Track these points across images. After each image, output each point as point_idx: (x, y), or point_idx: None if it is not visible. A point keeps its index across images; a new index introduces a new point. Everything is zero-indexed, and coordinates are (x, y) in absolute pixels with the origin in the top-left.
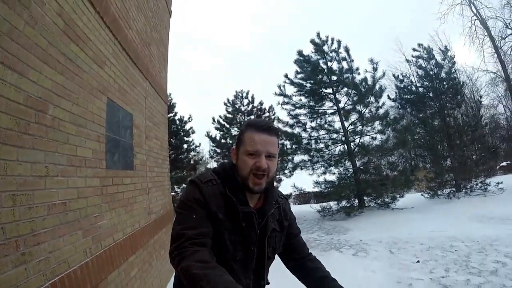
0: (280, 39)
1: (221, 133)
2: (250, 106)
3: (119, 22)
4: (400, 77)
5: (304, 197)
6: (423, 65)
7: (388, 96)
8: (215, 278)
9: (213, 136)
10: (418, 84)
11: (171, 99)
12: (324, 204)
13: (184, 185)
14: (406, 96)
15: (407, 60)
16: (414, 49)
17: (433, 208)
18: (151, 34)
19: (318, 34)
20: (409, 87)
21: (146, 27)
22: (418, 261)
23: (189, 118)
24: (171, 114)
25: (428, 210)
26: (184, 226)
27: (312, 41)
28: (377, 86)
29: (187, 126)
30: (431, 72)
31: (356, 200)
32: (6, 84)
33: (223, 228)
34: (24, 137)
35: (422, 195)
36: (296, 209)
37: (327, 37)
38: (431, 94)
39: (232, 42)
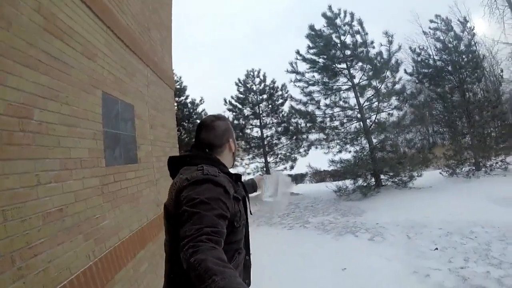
0: (294, 16)
1: (234, 114)
2: (262, 85)
3: (109, 9)
4: (417, 50)
5: (319, 176)
6: (441, 38)
7: (405, 70)
8: (230, 277)
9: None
10: (436, 58)
11: (181, 82)
12: (340, 183)
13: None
14: (424, 70)
15: (424, 32)
16: (431, 21)
17: (451, 188)
18: (150, 17)
19: (330, 7)
20: (426, 61)
21: (144, 10)
22: (436, 249)
23: (200, 100)
24: (182, 98)
25: (446, 189)
26: (201, 226)
27: (324, 15)
28: (393, 60)
29: (199, 109)
30: (449, 45)
31: (373, 179)
32: None
33: (240, 206)
34: (9, 149)
35: (440, 173)
36: (311, 188)
37: (340, 10)
38: (449, 68)
39: (246, 17)
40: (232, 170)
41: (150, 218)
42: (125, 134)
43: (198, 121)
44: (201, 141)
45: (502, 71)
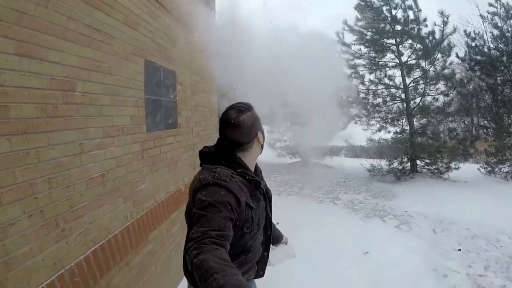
0: None
1: None
2: None
3: None
4: (472, 34)
5: (354, 152)
6: (499, 25)
7: (457, 54)
8: (230, 275)
9: None
10: (491, 46)
11: None
12: (375, 162)
13: None
14: (477, 57)
15: (481, 16)
16: (490, 4)
17: (487, 187)
18: None
19: None
20: (481, 47)
21: None
22: (459, 250)
23: None
24: None
25: (482, 188)
26: (207, 229)
27: None
28: (445, 42)
29: None
30: (507, 34)
31: (409, 164)
32: (25, 74)
33: (253, 213)
34: (53, 121)
35: (478, 169)
36: (346, 163)
37: None
38: (504, 59)
39: None
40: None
41: (186, 181)
42: (166, 100)
43: None
44: (227, 139)
45: None
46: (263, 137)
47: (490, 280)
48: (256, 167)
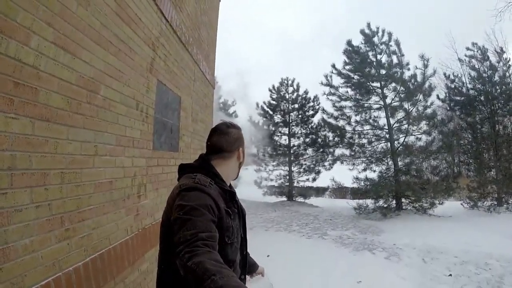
0: (331, 30)
1: (264, 119)
2: (295, 94)
3: (169, 4)
4: (451, 76)
5: (341, 192)
6: (476, 66)
7: (438, 96)
8: (228, 276)
9: (256, 121)
10: (469, 86)
11: (217, 82)
12: (361, 201)
13: None
14: (456, 98)
15: (460, 59)
16: (467, 48)
17: (471, 220)
18: (201, 17)
19: (368, 25)
20: (459, 88)
21: (196, 10)
22: (450, 275)
23: (233, 102)
24: (215, 97)
25: (466, 221)
26: (195, 231)
27: (362, 32)
28: (426, 84)
29: (231, 110)
30: (484, 74)
31: (394, 201)
32: (58, 64)
33: (233, 223)
34: (75, 117)
35: (461, 204)
36: (332, 203)
37: (378, 28)
38: (482, 98)
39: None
40: (232, 183)
41: None
42: (171, 123)
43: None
44: (211, 144)
45: None
46: (243, 157)
47: None
48: (231, 186)
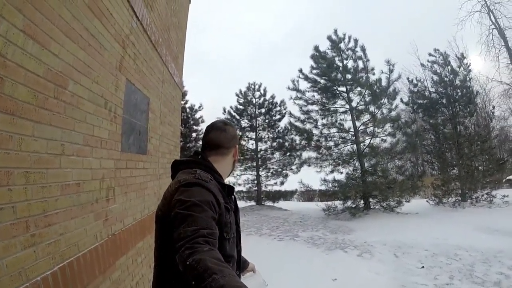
0: (300, 37)
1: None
2: (262, 99)
3: (142, 2)
4: (414, 81)
5: (309, 195)
6: (438, 71)
7: (401, 99)
8: (229, 275)
9: None
10: (431, 90)
11: (184, 86)
12: (329, 203)
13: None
14: (419, 101)
15: (422, 65)
16: (430, 54)
17: (437, 215)
18: (171, 18)
19: (335, 31)
20: (422, 92)
21: (167, 10)
22: (423, 267)
23: (199, 107)
24: (182, 102)
25: (432, 217)
26: (196, 227)
27: (329, 38)
28: (391, 88)
29: (197, 115)
30: (445, 79)
31: (362, 201)
32: (26, 54)
33: (231, 218)
34: (42, 112)
35: (427, 201)
36: (301, 206)
37: (344, 34)
38: (444, 101)
39: (252, 34)
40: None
41: (151, 210)
42: (139, 124)
43: (195, 127)
44: (208, 140)
45: (494, 108)
46: (237, 155)
47: (457, 287)
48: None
